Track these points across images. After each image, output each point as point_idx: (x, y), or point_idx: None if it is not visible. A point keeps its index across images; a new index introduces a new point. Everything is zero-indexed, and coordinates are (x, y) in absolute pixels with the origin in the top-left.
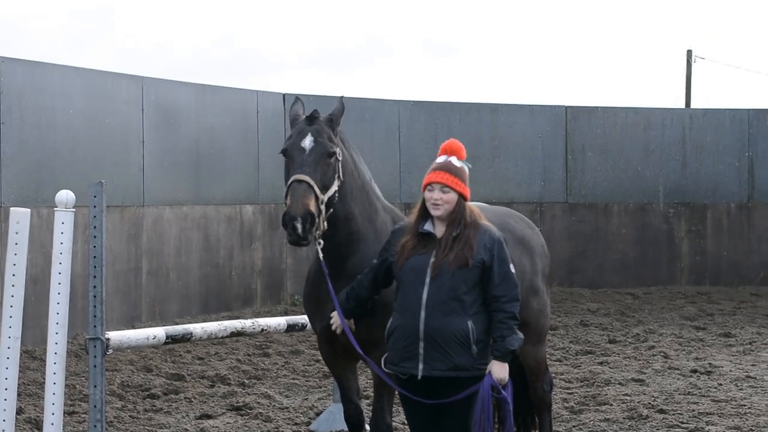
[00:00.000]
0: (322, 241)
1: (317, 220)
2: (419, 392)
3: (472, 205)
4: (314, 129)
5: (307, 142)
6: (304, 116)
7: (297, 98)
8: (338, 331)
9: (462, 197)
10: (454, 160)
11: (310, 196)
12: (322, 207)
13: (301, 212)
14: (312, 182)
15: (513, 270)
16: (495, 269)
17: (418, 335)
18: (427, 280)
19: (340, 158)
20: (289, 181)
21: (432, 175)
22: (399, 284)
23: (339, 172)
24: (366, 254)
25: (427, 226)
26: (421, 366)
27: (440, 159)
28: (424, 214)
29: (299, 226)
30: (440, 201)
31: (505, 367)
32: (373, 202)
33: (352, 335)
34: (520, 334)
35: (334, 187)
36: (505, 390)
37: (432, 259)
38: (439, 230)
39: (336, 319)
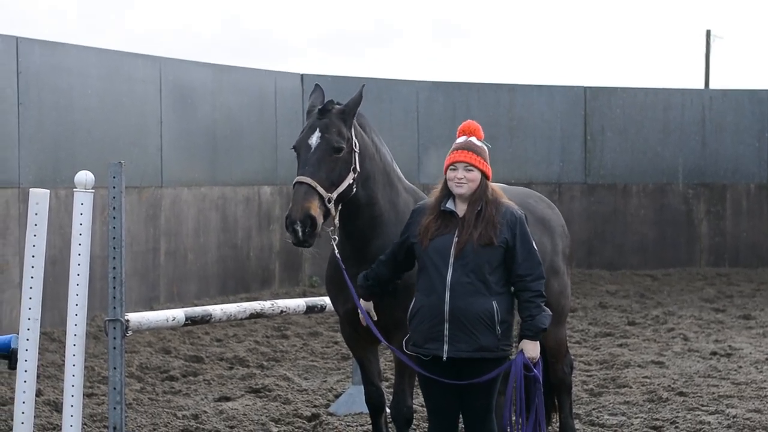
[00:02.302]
0: (336, 237)
1: (319, 222)
2: (442, 373)
3: (493, 185)
4: (323, 123)
5: (314, 139)
6: (317, 108)
7: (317, 86)
8: (363, 323)
9: (485, 176)
10: (474, 139)
11: (310, 198)
12: (331, 205)
13: (300, 216)
14: (313, 183)
15: (536, 248)
16: (518, 248)
17: (444, 316)
18: (451, 260)
19: (356, 149)
20: (293, 183)
21: (455, 155)
22: (422, 265)
23: (355, 164)
24: (389, 237)
25: (449, 205)
26: (446, 347)
27: (460, 139)
28: (446, 194)
29: (299, 230)
30: (464, 179)
31: (536, 346)
32: (394, 185)
33: (374, 324)
34: (548, 311)
35: (348, 180)
36: (536, 368)
37: (455, 239)
38: (461, 209)
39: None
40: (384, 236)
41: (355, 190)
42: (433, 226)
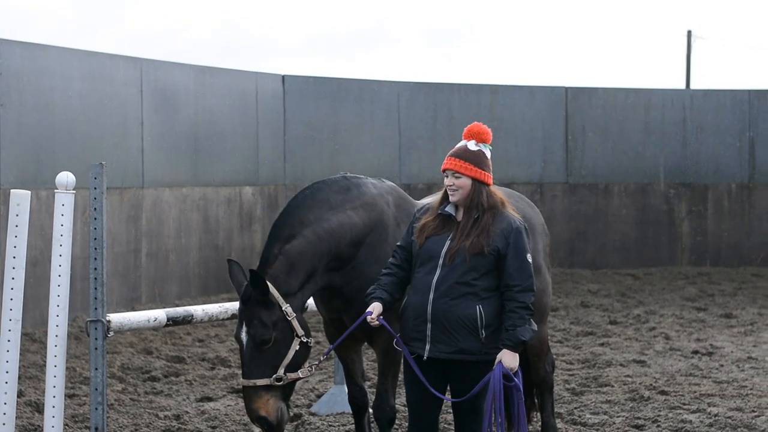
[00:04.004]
0: (313, 369)
1: (273, 416)
2: (428, 371)
3: (498, 191)
4: (247, 316)
5: (243, 333)
6: (242, 290)
7: (230, 261)
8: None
9: (478, 181)
10: (470, 144)
11: (256, 399)
12: (285, 381)
13: (254, 419)
14: (251, 383)
15: (530, 260)
16: (510, 258)
17: (426, 316)
18: (440, 262)
19: (290, 316)
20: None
21: (444, 162)
22: (415, 263)
23: (296, 328)
24: (364, 279)
25: (449, 209)
26: (427, 347)
27: (458, 144)
28: (447, 197)
29: (262, 427)
30: (454, 186)
31: (515, 357)
32: (355, 206)
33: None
34: (534, 326)
35: (294, 347)
36: (516, 378)
37: (447, 243)
38: (459, 213)
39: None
40: (360, 279)
41: (310, 342)
42: (431, 225)
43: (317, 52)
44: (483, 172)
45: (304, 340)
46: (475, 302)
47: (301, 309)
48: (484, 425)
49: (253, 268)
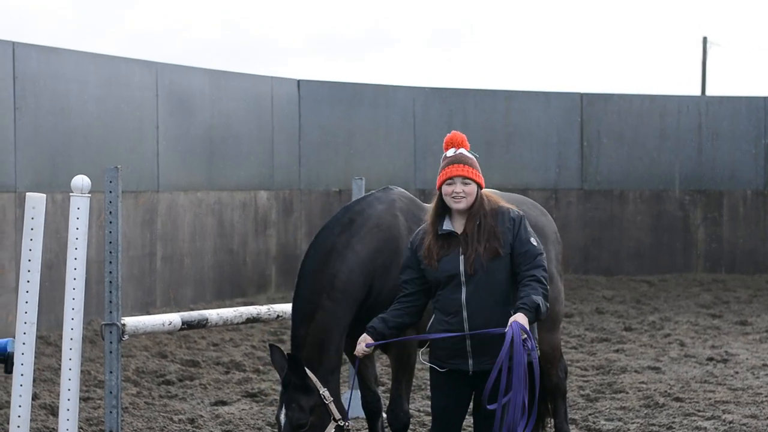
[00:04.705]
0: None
1: None
2: (460, 382)
3: (488, 191)
4: (286, 399)
5: (282, 416)
6: (283, 375)
7: (272, 347)
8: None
9: (479, 186)
10: (464, 151)
11: None
12: None
13: None
14: None
15: (534, 242)
16: (517, 246)
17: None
18: (463, 279)
19: (327, 400)
20: None
21: (452, 169)
22: (435, 286)
23: (333, 413)
24: (376, 300)
25: (446, 226)
26: (470, 362)
27: (450, 152)
28: (441, 212)
29: None
30: (462, 193)
31: (527, 321)
32: (362, 236)
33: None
34: (548, 303)
35: (330, 430)
36: (530, 339)
37: (461, 258)
38: (458, 225)
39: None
40: (374, 292)
41: (347, 425)
42: (435, 247)
43: (316, 53)
44: (481, 176)
45: (341, 424)
46: (507, 307)
47: (337, 391)
48: (501, 385)
49: (291, 353)
